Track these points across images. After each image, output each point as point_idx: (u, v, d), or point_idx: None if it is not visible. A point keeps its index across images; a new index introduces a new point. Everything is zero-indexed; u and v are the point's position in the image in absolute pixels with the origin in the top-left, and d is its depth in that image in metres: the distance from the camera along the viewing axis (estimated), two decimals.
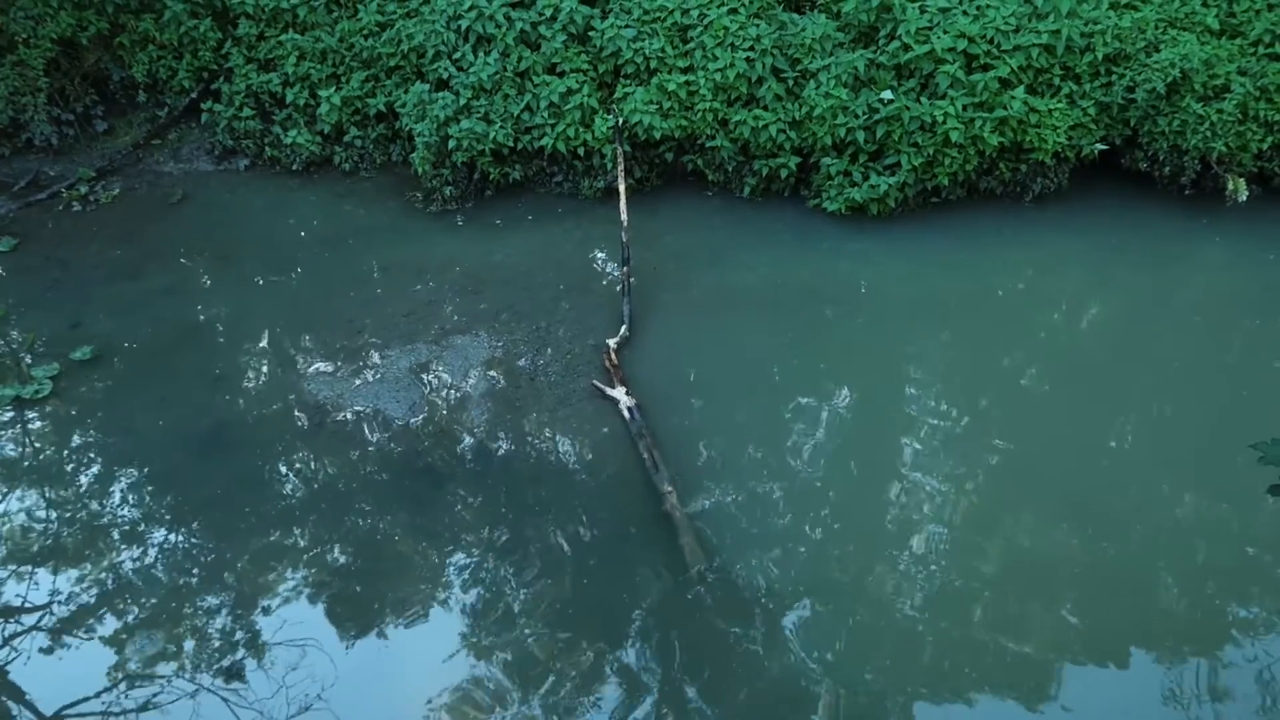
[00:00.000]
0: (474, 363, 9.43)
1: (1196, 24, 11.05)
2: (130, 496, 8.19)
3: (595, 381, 9.01)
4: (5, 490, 8.31)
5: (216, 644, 6.96)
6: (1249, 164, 10.78)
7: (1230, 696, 6.41)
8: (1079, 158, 11.04)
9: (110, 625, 7.14)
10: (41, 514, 8.08)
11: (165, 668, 6.81)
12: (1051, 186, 11.22)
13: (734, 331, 9.73)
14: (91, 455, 8.64)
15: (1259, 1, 11.11)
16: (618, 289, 10.20)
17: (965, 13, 10.76)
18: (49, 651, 7.01)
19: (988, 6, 10.78)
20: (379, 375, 9.31)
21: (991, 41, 10.61)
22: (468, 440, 8.59)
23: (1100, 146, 10.92)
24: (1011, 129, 10.55)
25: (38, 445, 8.81)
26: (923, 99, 10.59)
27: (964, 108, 10.43)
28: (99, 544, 7.79)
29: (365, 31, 12.06)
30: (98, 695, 6.69)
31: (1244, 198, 10.75)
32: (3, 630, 7.15)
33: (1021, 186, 11.24)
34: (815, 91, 10.72)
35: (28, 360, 9.60)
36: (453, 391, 9.12)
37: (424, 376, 9.29)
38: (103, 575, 7.52)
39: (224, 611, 7.20)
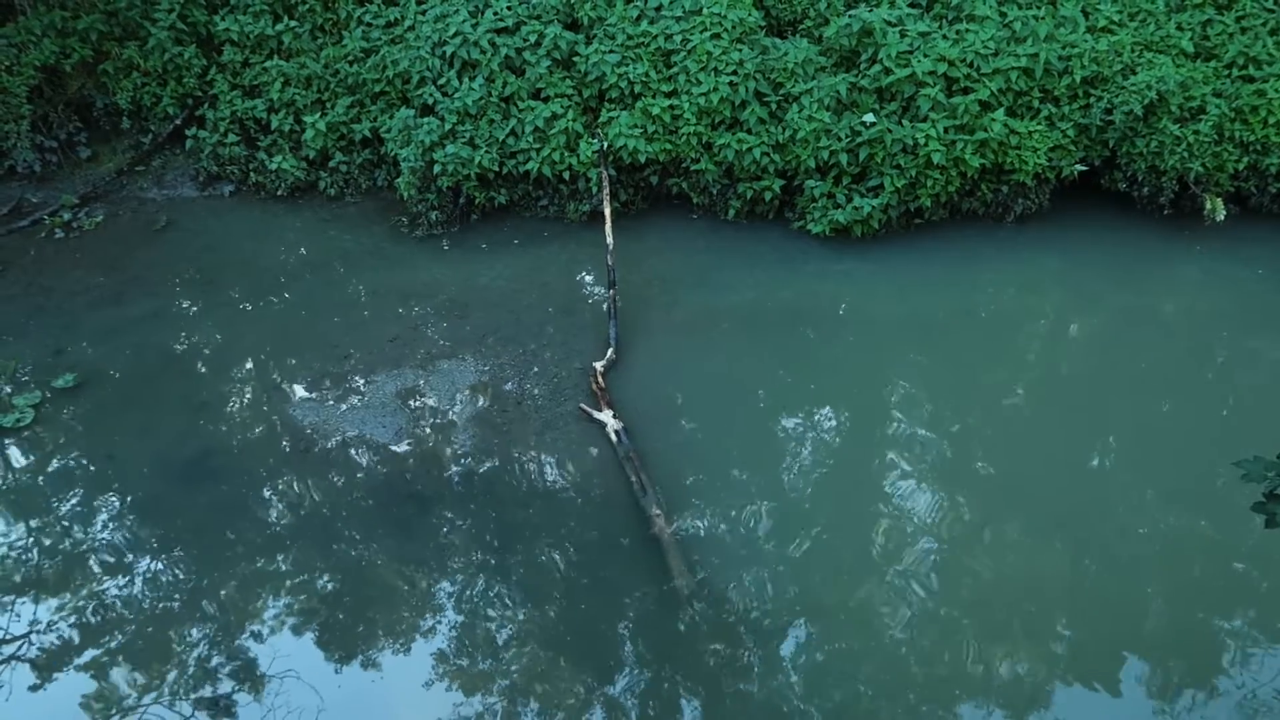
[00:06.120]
0: (460, 387, 9.41)
1: (1172, 47, 11.23)
2: (113, 525, 8.11)
3: (582, 404, 9.01)
4: None
5: (200, 674, 6.88)
6: (1226, 184, 10.93)
7: (1216, 711, 6.42)
8: (1059, 179, 11.16)
9: (91, 655, 7.05)
10: (22, 543, 7.99)
11: (147, 697, 6.73)
12: (1032, 207, 11.33)
13: (720, 353, 9.75)
14: (74, 484, 8.55)
15: (1232, 25, 11.31)
16: (604, 311, 10.21)
17: (945, 37, 10.91)
18: (28, 682, 6.91)
19: (967, 31, 10.93)
20: (365, 400, 9.28)
21: (971, 65, 10.75)
22: (454, 465, 8.56)
23: (1080, 168, 11.05)
24: (992, 151, 10.67)
25: (19, 474, 8.71)
26: (904, 122, 10.70)
27: (945, 130, 10.54)
28: (81, 573, 7.70)
29: (350, 58, 12.11)
30: None
31: (1221, 217, 10.88)
32: None
33: (1003, 207, 11.35)
34: (798, 115, 10.82)
35: (8, 389, 9.51)
36: (439, 416, 9.10)
37: (410, 401, 9.26)
38: (84, 604, 7.43)
39: (208, 640, 7.12)
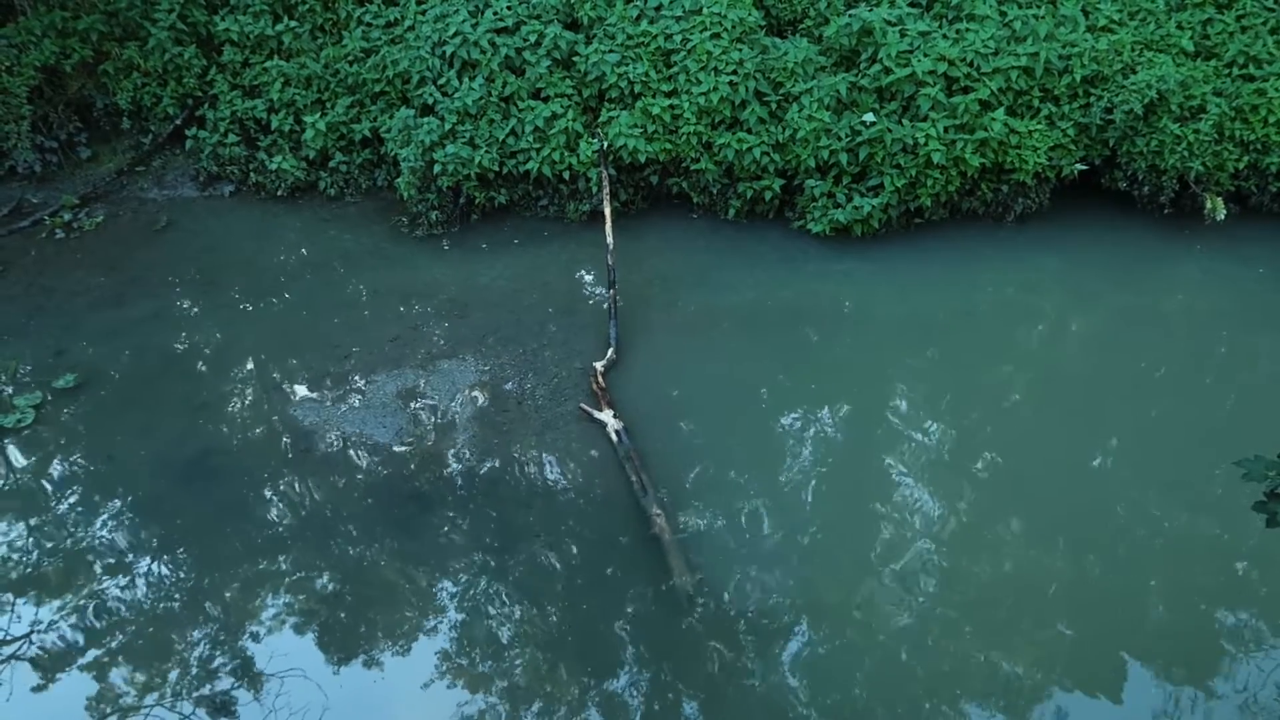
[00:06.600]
0: (461, 387, 9.41)
1: (1172, 46, 11.23)
2: (114, 525, 8.11)
3: (583, 404, 9.01)
4: None
5: (201, 674, 6.88)
6: (1226, 183, 10.93)
7: (1216, 711, 6.43)
8: (1059, 178, 11.15)
9: (92, 655, 7.06)
10: (23, 543, 7.99)
11: (148, 697, 6.73)
12: (1033, 206, 11.33)
13: (720, 353, 9.75)
14: (74, 484, 8.56)
15: (1232, 24, 11.30)
16: (604, 310, 10.21)
17: (945, 36, 10.91)
18: (29, 682, 6.92)
19: (967, 30, 10.93)
20: (365, 400, 9.28)
21: (971, 64, 10.75)
22: (455, 465, 8.56)
23: (1080, 167, 11.05)
24: (992, 150, 10.67)
25: (20, 474, 8.72)
26: (904, 121, 10.70)
27: (945, 129, 10.54)
28: (81, 573, 7.71)
29: (350, 58, 12.11)
30: None
31: (1222, 216, 10.87)
32: None
33: (1003, 207, 11.35)
34: (798, 114, 10.82)
35: (9, 389, 9.52)
36: (440, 416, 9.10)
37: (411, 401, 9.26)
38: (85, 604, 7.44)
39: (208, 640, 7.13)
